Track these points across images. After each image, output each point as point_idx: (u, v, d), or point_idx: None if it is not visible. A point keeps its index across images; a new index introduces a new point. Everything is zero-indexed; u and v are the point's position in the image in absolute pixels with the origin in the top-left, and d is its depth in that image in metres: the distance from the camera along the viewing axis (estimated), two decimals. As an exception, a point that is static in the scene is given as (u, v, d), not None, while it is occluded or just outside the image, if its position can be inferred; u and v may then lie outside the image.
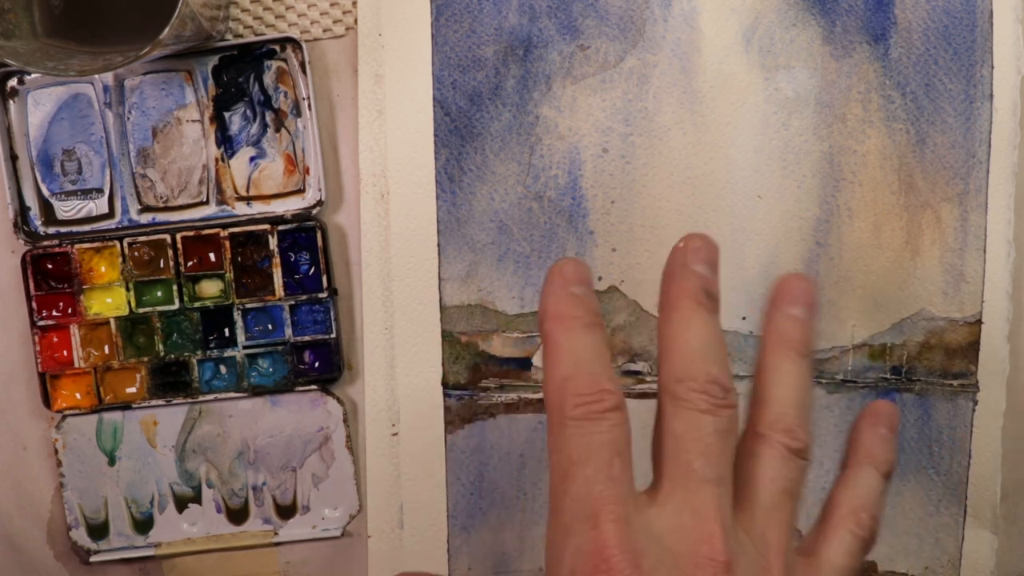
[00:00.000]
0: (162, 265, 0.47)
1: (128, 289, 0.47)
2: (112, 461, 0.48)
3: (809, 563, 0.36)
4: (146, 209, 0.47)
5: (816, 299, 0.38)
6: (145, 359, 0.47)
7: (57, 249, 0.46)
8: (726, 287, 0.46)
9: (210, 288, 0.47)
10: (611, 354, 0.46)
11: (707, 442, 0.34)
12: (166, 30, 0.38)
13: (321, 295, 0.47)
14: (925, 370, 0.47)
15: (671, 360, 0.35)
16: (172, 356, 0.47)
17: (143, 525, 0.49)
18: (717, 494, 0.33)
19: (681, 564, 0.32)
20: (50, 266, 0.47)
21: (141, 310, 0.47)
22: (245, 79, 0.46)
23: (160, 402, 0.48)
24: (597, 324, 0.35)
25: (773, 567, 0.34)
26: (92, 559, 0.49)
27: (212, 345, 0.47)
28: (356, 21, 0.46)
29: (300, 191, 0.47)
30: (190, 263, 0.47)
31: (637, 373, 0.47)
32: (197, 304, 0.47)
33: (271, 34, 0.46)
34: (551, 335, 0.35)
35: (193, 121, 0.46)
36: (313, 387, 0.48)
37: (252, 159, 0.47)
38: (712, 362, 0.35)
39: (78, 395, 0.48)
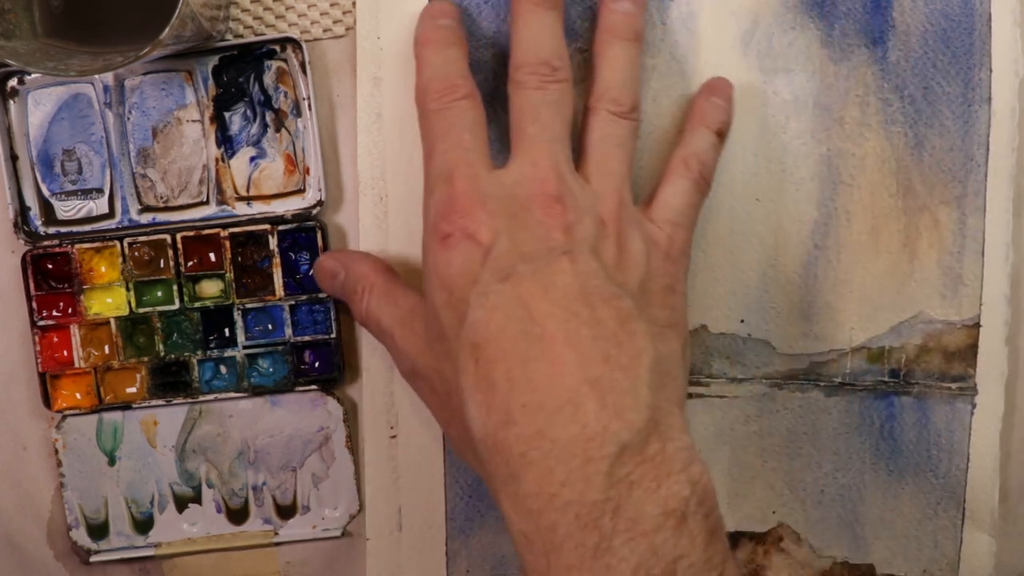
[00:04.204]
0: (162, 265, 0.47)
1: (128, 289, 0.47)
2: (112, 461, 0.48)
3: (646, 206, 0.43)
4: (146, 209, 0.47)
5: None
6: (145, 359, 0.48)
7: (57, 249, 0.47)
8: (723, 289, 0.46)
9: (210, 288, 0.47)
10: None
11: (540, 112, 0.41)
12: (166, 30, 0.38)
13: (321, 295, 0.47)
14: (923, 373, 0.47)
15: (512, 53, 0.42)
16: (172, 356, 0.48)
17: (143, 525, 0.49)
18: (550, 149, 0.40)
19: (520, 202, 0.39)
20: (50, 266, 0.47)
21: (141, 310, 0.47)
22: (245, 79, 0.46)
23: (160, 402, 0.48)
24: (454, 43, 0.42)
25: (607, 202, 0.40)
26: (92, 559, 0.49)
27: (212, 345, 0.48)
28: (356, 22, 0.46)
29: (300, 191, 0.47)
30: (190, 263, 0.47)
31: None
32: (197, 304, 0.47)
33: (271, 34, 0.46)
34: (419, 55, 0.42)
35: (193, 121, 0.47)
36: (313, 387, 0.48)
37: (252, 159, 0.47)
38: (543, 48, 0.41)
39: (78, 395, 0.48)
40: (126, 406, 0.48)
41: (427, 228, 0.40)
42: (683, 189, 0.43)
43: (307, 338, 0.47)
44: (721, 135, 0.44)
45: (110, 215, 0.47)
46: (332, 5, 0.46)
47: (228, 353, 0.48)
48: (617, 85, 0.42)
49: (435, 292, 0.39)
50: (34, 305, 0.47)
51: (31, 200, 0.47)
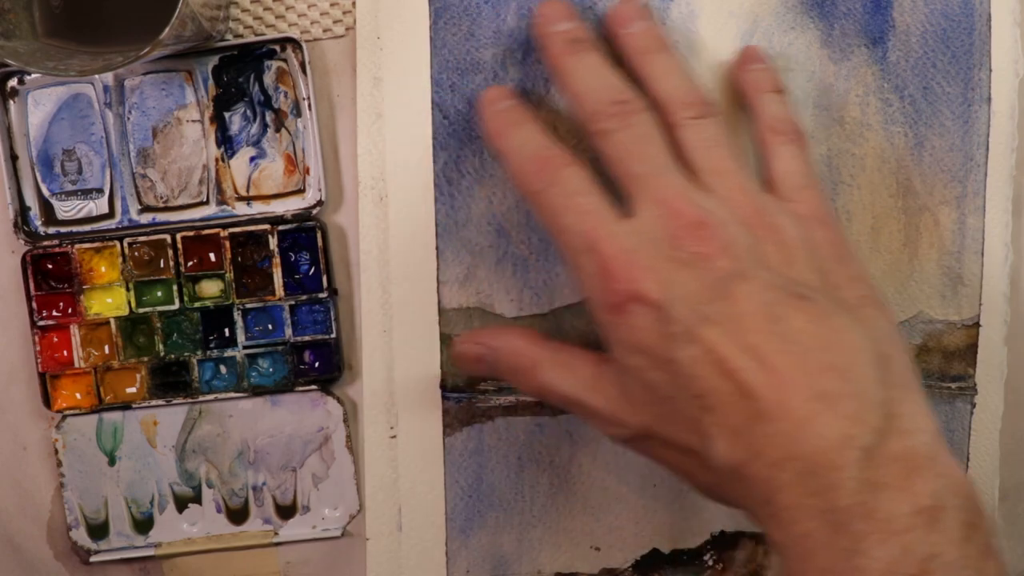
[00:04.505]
0: (162, 265, 0.47)
1: (128, 289, 0.47)
2: (112, 461, 0.48)
3: (768, 188, 0.42)
4: (146, 209, 0.47)
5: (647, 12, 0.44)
6: (145, 359, 0.48)
7: (57, 249, 0.47)
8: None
9: (210, 288, 0.47)
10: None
11: (636, 148, 0.40)
12: (166, 30, 0.38)
13: (321, 295, 0.47)
14: (923, 373, 0.46)
15: (579, 110, 0.41)
16: (172, 356, 0.48)
17: (143, 525, 0.49)
18: (666, 179, 0.39)
19: (667, 243, 0.38)
20: (50, 266, 0.47)
21: (141, 310, 0.47)
22: (245, 79, 0.46)
23: (160, 402, 0.48)
24: (524, 120, 0.42)
25: (739, 201, 0.39)
26: (92, 559, 0.49)
27: (212, 345, 0.48)
28: (356, 22, 0.46)
29: (300, 191, 0.47)
30: (190, 263, 0.47)
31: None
32: (197, 304, 0.47)
33: (271, 34, 0.46)
34: (498, 149, 0.42)
35: (193, 121, 0.47)
36: (313, 387, 0.48)
37: (252, 159, 0.47)
38: (604, 89, 0.40)
39: (78, 395, 0.48)
40: (126, 406, 0.48)
41: (595, 304, 0.39)
42: (791, 153, 0.42)
43: (307, 338, 0.47)
44: (781, 92, 0.44)
45: (110, 215, 0.47)
46: (332, 5, 0.46)
47: (228, 353, 0.48)
48: (677, 91, 0.42)
49: (632, 359, 0.38)
50: (34, 305, 0.47)
51: (31, 200, 0.47)
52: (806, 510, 0.34)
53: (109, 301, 0.47)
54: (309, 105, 0.46)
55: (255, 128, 0.46)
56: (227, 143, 0.46)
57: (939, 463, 0.35)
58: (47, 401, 0.48)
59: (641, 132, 0.40)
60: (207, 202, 0.47)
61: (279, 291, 0.47)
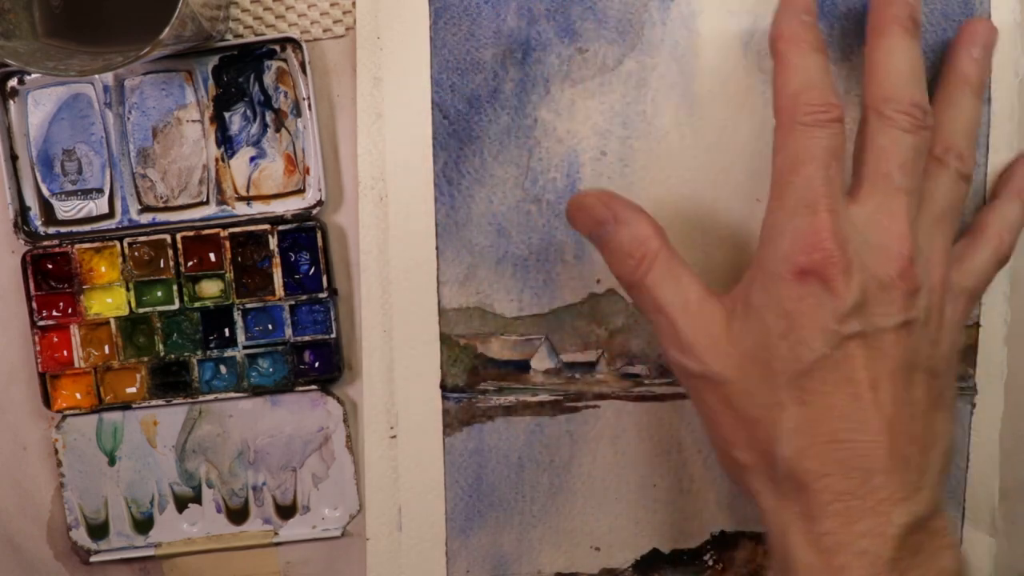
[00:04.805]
0: (162, 265, 0.47)
1: (128, 289, 0.47)
2: (112, 461, 0.48)
3: (956, 268, 0.42)
4: (146, 209, 0.47)
5: (994, 43, 0.44)
6: (145, 359, 0.48)
7: (57, 249, 0.47)
8: (726, 290, 0.46)
9: (210, 288, 0.47)
10: (612, 355, 0.47)
11: (905, 157, 0.39)
12: (166, 30, 0.38)
13: (321, 295, 0.47)
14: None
15: (880, 81, 0.40)
16: (172, 356, 0.48)
17: (143, 525, 0.49)
18: (908, 201, 0.39)
19: (876, 254, 0.38)
20: (50, 266, 0.47)
21: (141, 310, 0.47)
22: (245, 79, 0.46)
23: (160, 402, 0.48)
24: (823, 50, 0.40)
25: (937, 264, 0.40)
26: (92, 559, 0.49)
27: (212, 345, 0.48)
28: (356, 22, 0.46)
29: (300, 191, 0.47)
30: (190, 263, 0.47)
31: (635, 376, 0.47)
32: (197, 304, 0.47)
33: (271, 34, 0.46)
34: (784, 55, 0.40)
35: (193, 121, 0.47)
36: (313, 387, 0.48)
37: (252, 159, 0.47)
38: (916, 87, 0.40)
39: (78, 395, 0.48)
40: (126, 406, 0.48)
41: (778, 252, 0.38)
42: (990, 262, 0.44)
43: (307, 338, 0.47)
44: None
45: (110, 215, 0.47)
46: (332, 5, 0.46)
47: (228, 353, 0.48)
48: (964, 142, 0.42)
49: (773, 318, 0.38)
50: (34, 305, 0.47)
51: (31, 200, 0.47)
52: (851, 547, 0.37)
53: (109, 301, 0.47)
54: (309, 105, 0.46)
55: (255, 128, 0.46)
56: (227, 143, 0.46)
57: (956, 549, 0.39)
58: (47, 401, 0.48)
59: (918, 146, 0.40)
60: (207, 202, 0.47)
61: (279, 291, 0.47)
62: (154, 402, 0.48)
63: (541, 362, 0.47)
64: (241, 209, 0.47)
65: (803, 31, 0.40)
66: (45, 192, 0.47)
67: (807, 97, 0.39)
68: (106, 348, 0.47)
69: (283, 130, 0.46)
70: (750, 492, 0.40)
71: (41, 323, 0.47)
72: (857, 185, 0.40)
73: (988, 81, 0.44)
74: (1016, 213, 0.44)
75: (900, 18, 0.40)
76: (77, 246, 0.47)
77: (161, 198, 0.47)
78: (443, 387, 0.47)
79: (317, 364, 0.48)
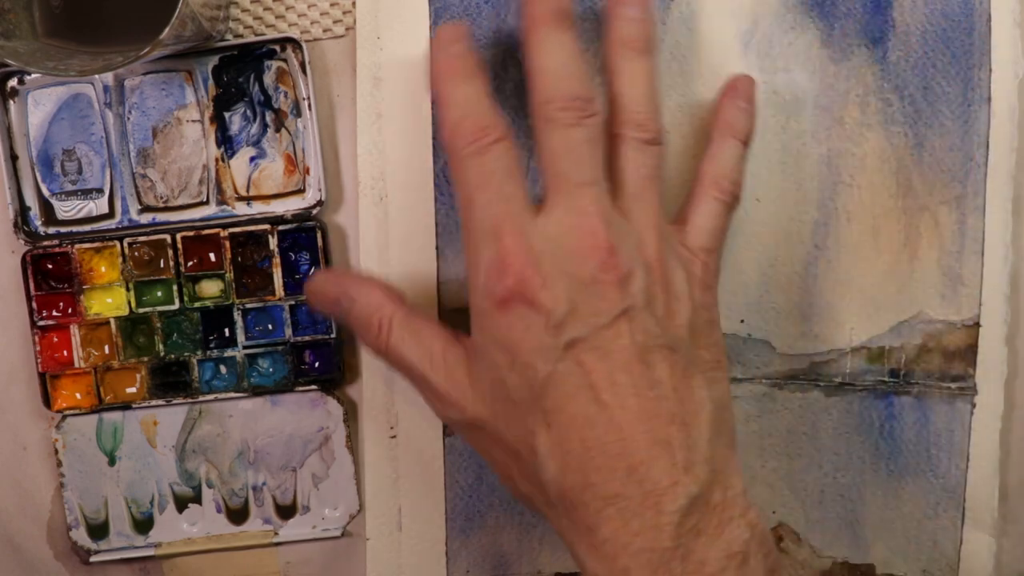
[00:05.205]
0: (162, 265, 0.47)
1: (128, 289, 0.47)
2: (112, 461, 0.48)
3: (680, 230, 0.42)
4: (146, 209, 0.47)
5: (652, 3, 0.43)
6: (145, 359, 0.48)
7: (57, 249, 0.47)
8: (724, 290, 0.46)
9: (210, 288, 0.47)
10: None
11: (578, 152, 0.39)
12: (166, 30, 0.38)
13: (321, 295, 0.47)
14: (923, 373, 0.47)
15: (537, 85, 0.40)
16: (172, 356, 0.48)
17: (143, 525, 0.49)
18: (593, 193, 0.39)
19: (573, 258, 0.38)
20: (50, 266, 0.47)
21: (141, 310, 0.47)
22: (245, 79, 0.46)
23: (160, 402, 0.48)
24: (476, 75, 0.40)
25: (648, 240, 0.39)
26: (92, 559, 0.49)
27: (212, 345, 0.48)
28: (356, 22, 0.46)
29: (300, 191, 0.47)
30: (190, 263, 0.47)
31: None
32: (197, 304, 0.47)
33: (271, 34, 0.46)
34: (439, 91, 0.40)
35: (193, 121, 0.47)
36: (313, 387, 0.48)
37: (252, 159, 0.47)
38: (572, 79, 0.39)
39: (78, 395, 0.48)
40: (126, 406, 0.48)
41: (478, 288, 0.39)
42: (715, 211, 0.43)
43: (307, 338, 0.47)
44: (747, 143, 0.44)
45: (110, 215, 0.47)
46: (332, 5, 0.46)
47: (228, 353, 0.48)
48: (642, 108, 0.41)
49: (495, 353, 0.39)
50: (34, 305, 0.47)
51: (31, 200, 0.47)
52: (629, 547, 0.36)
53: (109, 301, 0.47)
54: (309, 105, 0.46)
55: (255, 128, 0.46)
56: (227, 143, 0.46)
57: (749, 516, 0.38)
58: (47, 401, 0.48)
59: (588, 136, 0.39)
60: (207, 202, 0.47)
61: (279, 291, 0.47)
62: (154, 402, 0.48)
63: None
64: (241, 209, 0.47)
65: (452, 62, 0.40)
66: (45, 192, 0.47)
67: (463, 128, 0.39)
68: (106, 348, 0.47)
69: (283, 130, 0.46)
70: (544, 517, 0.40)
71: (41, 323, 0.47)
72: (544, 194, 0.40)
73: (651, 34, 0.42)
74: (730, 152, 0.43)
75: (543, 16, 0.40)
76: (77, 246, 0.47)
77: (161, 198, 0.47)
78: (443, 387, 0.47)
79: (317, 364, 0.48)
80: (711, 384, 0.40)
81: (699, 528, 0.36)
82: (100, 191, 0.47)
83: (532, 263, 0.37)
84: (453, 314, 0.47)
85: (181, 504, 0.49)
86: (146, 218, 0.47)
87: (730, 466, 0.39)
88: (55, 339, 0.47)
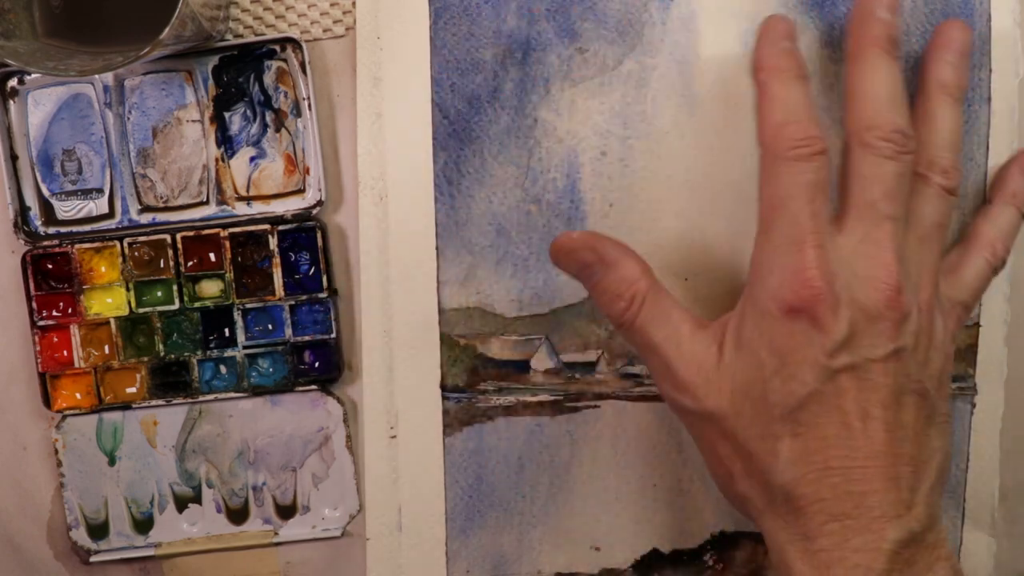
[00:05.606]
0: (162, 265, 0.47)
1: (128, 289, 0.47)
2: (112, 461, 0.48)
3: (949, 280, 0.43)
4: (146, 209, 0.47)
5: (969, 45, 0.43)
6: (145, 359, 0.48)
7: (57, 249, 0.47)
8: (724, 290, 0.46)
9: (210, 288, 0.47)
10: (612, 355, 0.47)
11: (889, 184, 0.39)
12: (166, 30, 0.38)
13: (321, 295, 0.47)
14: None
15: (860, 108, 0.40)
16: (172, 356, 0.48)
17: (143, 525, 0.49)
18: (894, 229, 0.39)
19: (863, 285, 0.38)
20: (50, 266, 0.47)
21: (141, 310, 0.47)
22: (245, 79, 0.46)
23: (160, 402, 0.48)
24: (806, 77, 0.41)
25: (925, 285, 0.40)
26: (92, 559, 0.49)
27: (212, 345, 0.48)
28: (356, 22, 0.46)
29: (300, 191, 0.47)
30: (190, 263, 0.47)
31: (635, 376, 0.47)
32: (197, 304, 0.47)
33: (271, 34, 0.46)
34: (767, 85, 0.41)
35: (193, 121, 0.47)
36: (313, 387, 0.48)
37: (252, 159, 0.47)
38: (896, 112, 0.40)
39: (78, 395, 0.48)
40: (126, 406, 0.48)
41: (768, 289, 0.39)
42: (983, 272, 0.44)
43: (307, 338, 0.47)
44: None
45: (110, 215, 0.47)
46: (332, 5, 0.46)
47: (228, 353, 0.48)
48: (949, 155, 0.42)
49: (764, 354, 0.39)
50: (34, 305, 0.47)
51: (31, 200, 0.47)
52: (845, 561, 0.37)
53: (109, 301, 0.47)
54: (309, 105, 0.46)
55: (255, 128, 0.46)
56: (227, 143, 0.46)
57: (952, 560, 0.39)
58: (47, 401, 0.48)
59: (901, 171, 0.40)
60: (207, 202, 0.47)
61: (279, 291, 0.47)
62: (154, 402, 0.48)
63: (541, 362, 0.47)
64: (241, 209, 0.47)
65: (784, 59, 0.41)
66: (45, 192, 0.47)
67: (790, 131, 0.39)
68: (106, 348, 0.48)
69: (283, 130, 0.46)
70: (750, 516, 0.41)
71: (41, 323, 0.47)
72: (843, 214, 0.40)
73: (967, 84, 0.43)
74: (1009, 219, 0.45)
75: (878, 39, 0.40)
76: (77, 246, 0.47)
77: (161, 198, 0.47)
78: (443, 387, 0.47)
79: (317, 364, 0.48)
80: (942, 435, 0.41)
81: (911, 561, 0.38)
82: (100, 191, 0.47)
83: (827, 281, 0.38)
84: (453, 314, 0.47)
85: (181, 504, 0.49)
86: (146, 218, 0.47)
87: (941, 512, 0.40)
88: (55, 339, 0.47)
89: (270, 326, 0.47)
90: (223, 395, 0.48)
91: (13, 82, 0.46)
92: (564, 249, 0.42)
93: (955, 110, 0.42)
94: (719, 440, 0.41)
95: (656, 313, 0.41)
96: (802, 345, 0.38)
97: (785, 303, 0.38)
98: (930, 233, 0.41)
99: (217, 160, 0.46)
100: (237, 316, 0.47)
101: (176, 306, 0.47)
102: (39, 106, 0.46)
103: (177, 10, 0.38)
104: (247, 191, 0.47)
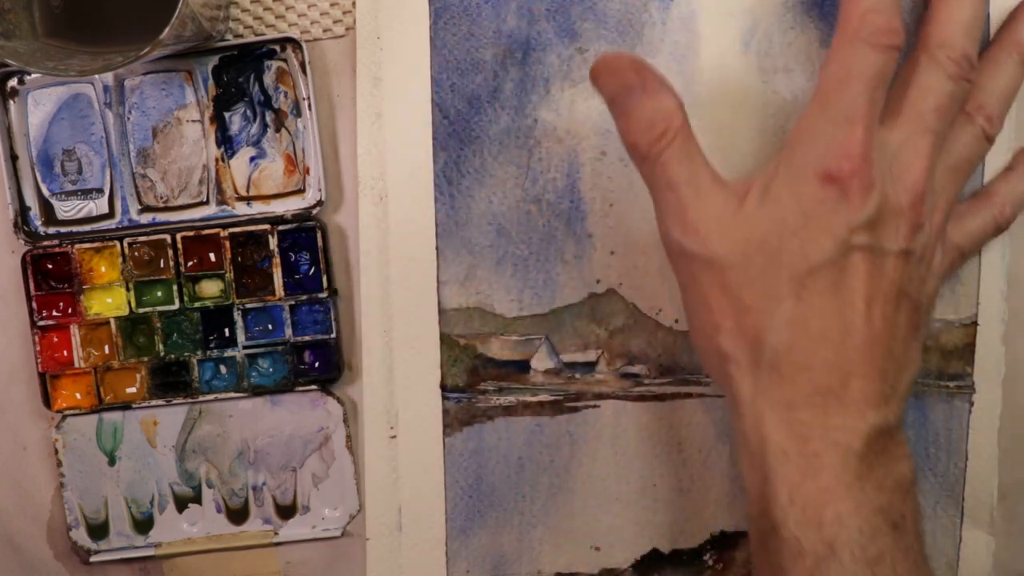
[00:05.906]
0: (162, 265, 0.47)
1: (128, 289, 0.47)
2: (112, 461, 0.48)
3: (954, 223, 0.44)
4: (146, 209, 0.47)
5: None
6: (145, 359, 0.48)
7: (57, 249, 0.47)
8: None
9: (210, 288, 0.47)
10: (612, 355, 0.47)
11: (943, 101, 0.41)
12: (166, 30, 0.38)
13: (321, 295, 0.47)
14: (921, 372, 0.47)
15: (939, 24, 0.42)
16: (172, 356, 0.48)
17: (143, 525, 0.49)
18: (934, 142, 0.41)
19: (894, 182, 0.40)
20: (50, 266, 0.47)
21: (141, 310, 0.47)
22: (245, 79, 0.46)
23: (160, 402, 0.48)
24: None
25: (940, 211, 0.42)
26: (92, 559, 0.49)
27: (212, 345, 0.48)
28: (356, 22, 0.46)
29: (300, 191, 0.47)
30: (190, 263, 0.47)
31: (635, 376, 0.47)
32: (197, 304, 0.47)
33: (271, 34, 0.46)
34: None
35: (193, 121, 0.47)
36: (313, 387, 0.48)
37: (252, 159, 0.47)
38: (970, 40, 0.41)
39: (78, 395, 0.48)
40: (126, 406, 0.48)
41: (810, 153, 0.39)
42: (987, 226, 0.45)
43: (307, 338, 0.47)
44: None
45: (110, 215, 0.47)
46: (332, 5, 0.46)
47: (228, 353, 0.48)
48: (998, 103, 0.44)
49: (790, 213, 0.39)
50: (34, 305, 0.47)
51: (31, 200, 0.47)
52: (825, 437, 0.39)
53: (109, 301, 0.47)
54: (309, 105, 0.46)
55: (255, 128, 0.46)
56: (227, 143, 0.46)
57: (912, 461, 0.41)
58: (47, 401, 0.48)
59: (957, 95, 0.41)
60: (207, 202, 0.47)
61: (279, 291, 0.47)
62: (154, 402, 0.48)
63: (541, 362, 0.47)
64: (241, 209, 0.47)
65: None
66: (45, 192, 0.47)
67: (875, 18, 0.39)
68: (106, 348, 0.48)
69: (283, 130, 0.46)
70: (726, 380, 0.41)
71: (41, 323, 0.47)
72: (892, 114, 0.41)
73: None
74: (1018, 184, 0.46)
75: None
76: (77, 246, 0.47)
77: (161, 198, 0.47)
78: (443, 387, 0.47)
79: (317, 364, 0.48)
80: (919, 352, 0.42)
81: (884, 449, 0.39)
82: (100, 191, 0.47)
83: (868, 162, 0.39)
84: (453, 314, 0.47)
85: (181, 504, 0.49)
86: (146, 218, 0.47)
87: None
88: (55, 339, 0.47)
89: (270, 326, 0.48)
90: (223, 395, 0.48)
91: (13, 82, 0.46)
92: (609, 67, 0.41)
93: (1019, 70, 0.44)
94: (714, 290, 0.40)
95: (683, 153, 0.40)
96: (828, 212, 0.39)
97: (825, 169, 0.39)
98: (959, 166, 0.43)
99: (217, 160, 0.47)
100: (237, 316, 0.47)
101: (176, 306, 0.47)
102: (39, 106, 0.46)
103: (177, 10, 0.38)
104: (247, 191, 0.47)
